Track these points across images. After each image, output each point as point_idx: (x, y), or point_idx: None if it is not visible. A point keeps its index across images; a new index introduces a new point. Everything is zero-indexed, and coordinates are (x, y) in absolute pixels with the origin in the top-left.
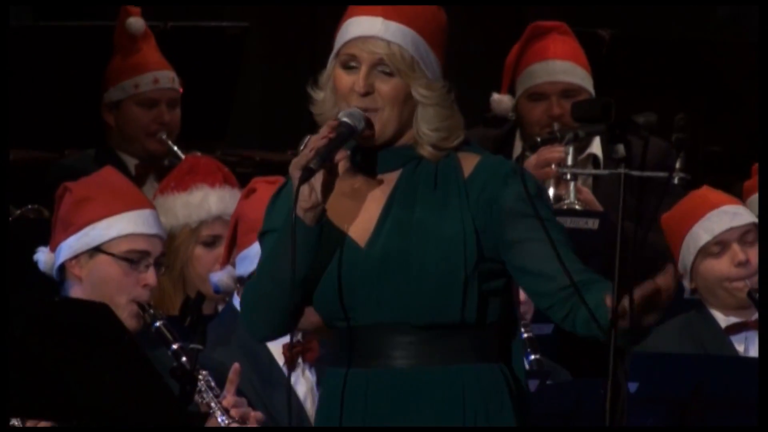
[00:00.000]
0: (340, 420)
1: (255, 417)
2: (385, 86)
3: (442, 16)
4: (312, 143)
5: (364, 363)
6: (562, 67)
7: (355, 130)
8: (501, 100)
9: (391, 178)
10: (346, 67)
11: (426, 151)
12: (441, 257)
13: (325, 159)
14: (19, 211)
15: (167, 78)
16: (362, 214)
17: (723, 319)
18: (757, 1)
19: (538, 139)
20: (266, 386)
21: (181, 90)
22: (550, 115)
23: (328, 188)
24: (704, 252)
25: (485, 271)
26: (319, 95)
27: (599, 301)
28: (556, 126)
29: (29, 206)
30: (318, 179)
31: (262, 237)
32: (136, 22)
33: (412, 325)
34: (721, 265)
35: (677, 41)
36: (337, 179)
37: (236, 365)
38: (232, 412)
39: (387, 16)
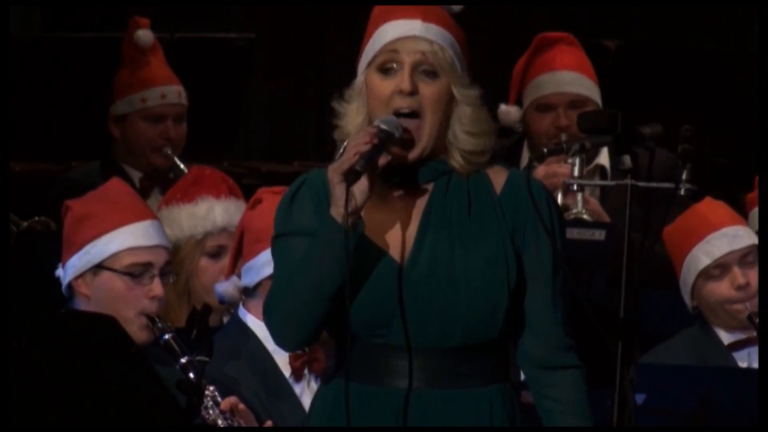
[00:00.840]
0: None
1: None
2: (428, 88)
3: (463, 34)
4: (353, 148)
5: (392, 383)
6: (569, 78)
7: (393, 136)
8: (508, 111)
9: (423, 193)
10: (384, 70)
11: (457, 162)
12: (486, 281)
13: (368, 162)
14: (26, 224)
15: (175, 93)
16: (398, 232)
17: (726, 336)
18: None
19: (545, 150)
20: (272, 398)
21: (186, 103)
22: (558, 126)
23: (366, 194)
24: (705, 275)
25: (519, 298)
26: (347, 107)
27: (552, 396)
28: (563, 137)
29: (36, 218)
30: (358, 184)
31: (276, 240)
32: (145, 35)
33: (448, 348)
34: (721, 288)
35: (683, 52)
36: (377, 184)
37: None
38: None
39: (426, 19)
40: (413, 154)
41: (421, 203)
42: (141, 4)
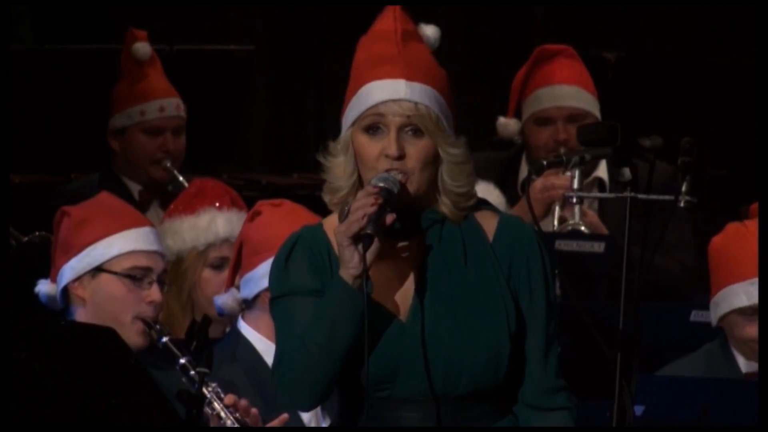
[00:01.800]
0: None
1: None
2: (414, 148)
3: (443, 72)
4: (359, 210)
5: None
6: (568, 91)
7: (393, 193)
8: (507, 124)
9: (417, 244)
10: (371, 131)
11: (447, 207)
12: (488, 328)
13: (377, 224)
14: (26, 239)
15: (173, 105)
16: (396, 285)
17: (744, 363)
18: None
19: (544, 163)
20: (271, 410)
21: (185, 114)
22: (556, 139)
23: (374, 254)
24: (740, 311)
25: (521, 332)
26: (333, 162)
27: None
28: (562, 150)
29: (36, 233)
30: (367, 246)
31: (276, 301)
32: (143, 48)
33: (453, 396)
34: (752, 330)
35: (683, 64)
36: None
37: (233, 397)
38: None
39: (409, 78)
40: (409, 204)
41: (417, 254)
42: (140, 17)
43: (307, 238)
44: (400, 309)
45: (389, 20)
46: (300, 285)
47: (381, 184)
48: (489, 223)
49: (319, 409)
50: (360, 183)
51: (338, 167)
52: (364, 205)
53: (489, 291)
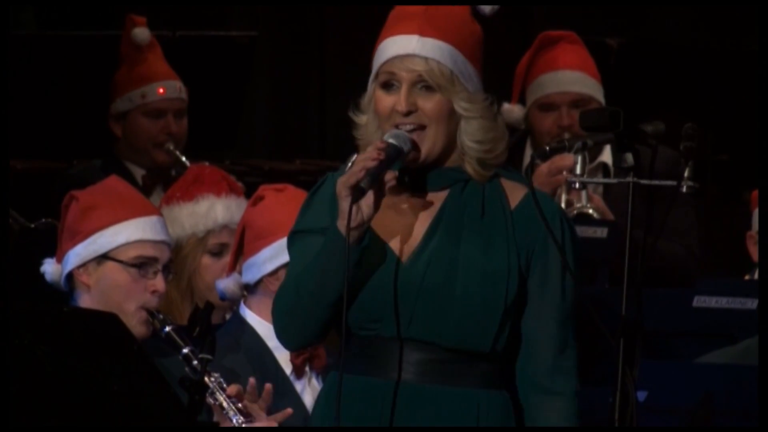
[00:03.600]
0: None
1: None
2: (427, 103)
3: (477, 28)
4: (360, 163)
5: (384, 374)
6: (571, 77)
7: (402, 151)
8: (511, 110)
9: (438, 198)
10: (386, 87)
11: (471, 168)
12: (484, 290)
13: (375, 179)
14: (33, 225)
15: (174, 88)
16: (406, 231)
17: None
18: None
19: (548, 148)
20: (273, 395)
21: (187, 97)
22: (560, 125)
23: (373, 208)
24: None
25: (518, 311)
26: (361, 119)
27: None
28: (566, 136)
29: (42, 220)
30: (365, 199)
31: (293, 236)
32: (142, 33)
33: (439, 345)
34: None
35: (686, 50)
36: (385, 196)
37: (252, 380)
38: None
39: (423, 33)
40: (427, 161)
41: (435, 207)
42: (142, 3)
43: (338, 177)
44: (403, 252)
45: None
46: (315, 224)
47: (390, 140)
48: (515, 193)
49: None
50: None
51: (366, 124)
52: (365, 159)
53: (496, 252)
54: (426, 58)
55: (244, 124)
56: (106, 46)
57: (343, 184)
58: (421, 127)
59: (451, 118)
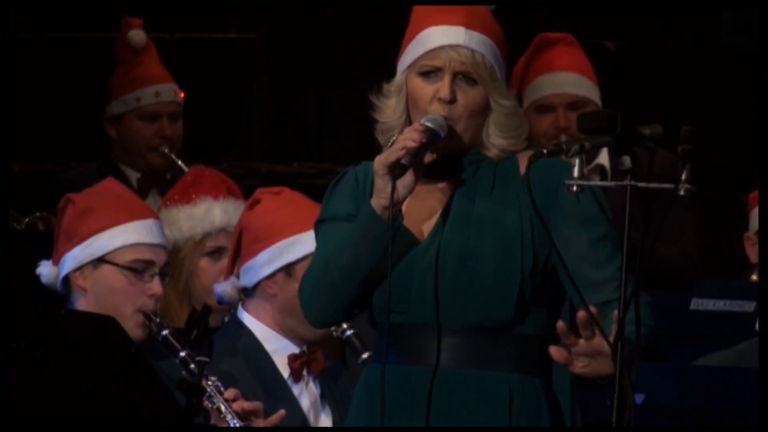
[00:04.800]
0: (382, 415)
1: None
2: (466, 96)
3: (502, 30)
4: (401, 142)
5: (413, 361)
6: (568, 79)
7: (439, 136)
8: None
9: (455, 182)
10: (425, 74)
11: (492, 153)
12: (499, 255)
13: (415, 158)
14: (27, 219)
15: (169, 91)
16: (424, 213)
17: None
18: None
19: (545, 151)
20: (270, 398)
21: (182, 95)
22: (557, 127)
23: (409, 188)
24: None
25: (538, 279)
26: (385, 102)
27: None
28: (562, 138)
29: (37, 214)
30: (402, 178)
31: (318, 225)
32: (137, 35)
33: (462, 325)
34: None
35: (683, 52)
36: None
37: (234, 391)
38: (244, 405)
39: (469, 26)
40: (450, 150)
41: (449, 190)
42: (140, 5)
43: (359, 170)
44: (422, 234)
45: None
46: (339, 211)
47: (429, 124)
48: (525, 157)
49: (318, 398)
50: (409, 124)
51: (389, 108)
52: (407, 139)
53: (509, 221)
54: (473, 51)
55: (242, 127)
56: (101, 48)
57: (381, 162)
58: (456, 118)
59: (484, 111)
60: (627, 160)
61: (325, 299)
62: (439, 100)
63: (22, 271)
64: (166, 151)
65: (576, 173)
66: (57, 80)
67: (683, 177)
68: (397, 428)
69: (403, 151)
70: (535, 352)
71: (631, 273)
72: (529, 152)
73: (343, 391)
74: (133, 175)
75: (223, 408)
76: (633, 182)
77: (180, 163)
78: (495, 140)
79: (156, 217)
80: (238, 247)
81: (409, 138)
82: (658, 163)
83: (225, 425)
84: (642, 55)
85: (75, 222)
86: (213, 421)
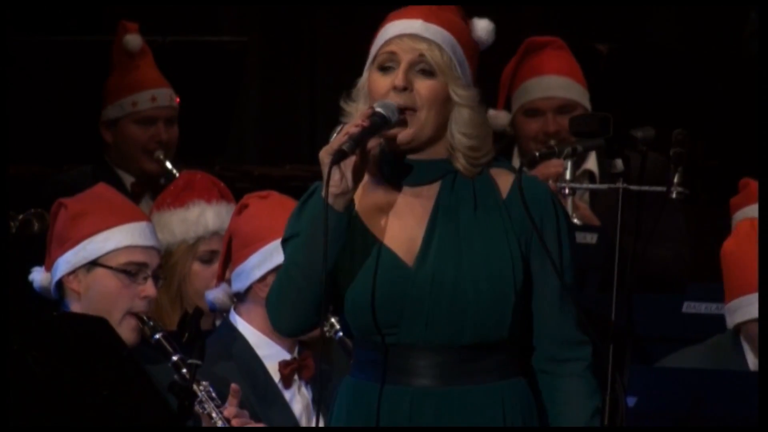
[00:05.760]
0: None
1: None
2: (423, 86)
3: (474, 42)
4: (345, 129)
5: (407, 381)
6: (557, 82)
7: (389, 120)
8: (497, 116)
9: (429, 193)
10: (384, 68)
11: (460, 164)
12: (493, 283)
13: (357, 144)
14: (21, 216)
15: (165, 96)
16: (405, 231)
17: (753, 361)
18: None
19: (537, 154)
20: (262, 403)
21: (177, 99)
22: (546, 131)
23: (358, 175)
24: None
25: (527, 295)
26: (352, 107)
27: (562, 401)
28: (553, 141)
29: (32, 210)
30: (349, 165)
31: (285, 242)
32: (134, 40)
33: (458, 345)
34: None
35: (676, 55)
36: (373, 191)
37: (234, 386)
38: (234, 422)
39: (427, 19)
40: (405, 137)
41: (429, 203)
42: (133, 8)
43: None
44: (408, 255)
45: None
46: (301, 229)
47: (378, 109)
48: (504, 180)
49: (310, 402)
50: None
51: (356, 111)
52: (350, 125)
53: (496, 243)
54: (429, 40)
55: (234, 130)
56: (98, 51)
57: (325, 151)
58: (413, 109)
59: (444, 105)
60: (619, 163)
61: (289, 304)
62: (395, 89)
63: (14, 276)
64: (161, 156)
65: (568, 176)
66: (53, 83)
67: (675, 180)
68: (397, 428)
69: (345, 137)
70: (516, 354)
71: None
72: (505, 173)
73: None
74: (128, 179)
75: (214, 414)
76: (625, 185)
77: (173, 170)
78: (459, 139)
79: (148, 219)
80: (229, 252)
81: (352, 124)
82: (649, 166)
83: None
84: (634, 57)
85: (68, 226)
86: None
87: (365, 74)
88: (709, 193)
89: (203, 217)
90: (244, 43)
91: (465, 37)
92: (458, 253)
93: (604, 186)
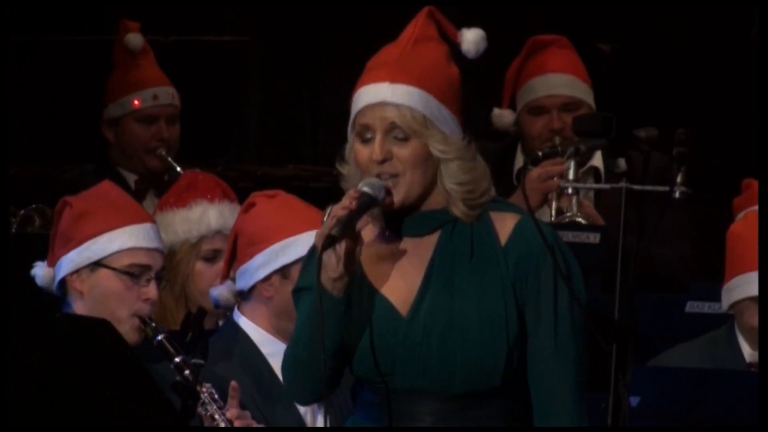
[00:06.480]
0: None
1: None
2: (402, 151)
3: (454, 71)
4: (333, 212)
5: (403, 423)
6: (561, 80)
7: (376, 199)
8: (502, 115)
9: (428, 243)
10: (363, 139)
11: (459, 210)
12: (484, 335)
13: (346, 227)
14: (22, 211)
15: (166, 94)
16: (402, 281)
17: (749, 353)
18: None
19: (540, 154)
20: (267, 401)
21: (179, 103)
22: (551, 129)
23: (352, 257)
24: (753, 299)
25: (523, 344)
26: (345, 169)
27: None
28: (557, 140)
29: (33, 206)
30: (342, 248)
31: (296, 294)
32: (135, 39)
33: (449, 392)
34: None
35: (679, 55)
36: (375, 241)
37: (233, 384)
38: (236, 423)
39: (393, 80)
40: (396, 203)
41: (427, 253)
42: (135, 8)
43: None
44: (404, 305)
45: (411, 26)
46: (312, 281)
47: (364, 189)
48: (505, 226)
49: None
50: None
51: (350, 175)
52: (337, 208)
53: (491, 293)
54: (397, 105)
55: (236, 130)
56: (99, 51)
57: (318, 236)
58: (396, 175)
59: (429, 161)
60: (622, 163)
61: (301, 378)
62: (373, 161)
63: (15, 272)
64: (164, 153)
65: (571, 175)
66: (55, 83)
67: (678, 179)
68: (397, 428)
69: (333, 221)
70: (521, 402)
71: (626, 276)
72: (507, 216)
73: (339, 394)
74: (131, 178)
75: (217, 416)
76: (628, 185)
77: (176, 166)
78: (452, 189)
79: (153, 221)
80: (234, 250)
81: (340, 206)
82: (652, 166)
83: None
84: (637, 57)
85: (72, 225)
86: None
87: (350, 139)
88: (712, 192)
89: (206, 216)
90: (246, 43)
91: (438, 84)
92: (451, 304)
93: (607, 186)
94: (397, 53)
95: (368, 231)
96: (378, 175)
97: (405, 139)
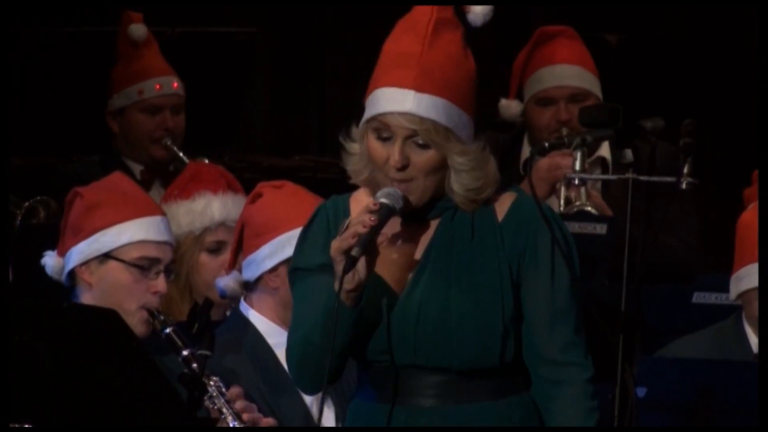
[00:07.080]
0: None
1: (266, 422)
2: (420, 158)
3: (470, 65)
4: (353, 227)
5: (404, 401)
6: (569, 71)
7: (395, 210)
8: (509, 106)
9: (429, 227)
10: (380, 136)
11: (460, 202)
12: (479, 311)
13: (366, 244)
14: (27, 203)
15: (170, 83)
16: (400, 262)
17: (756, 343)
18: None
19: (547, 144)
20: (274, 392)
21: (184, 92)
22: (558, 120)
23: (369, 268)
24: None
25: (518, 323)
26: (353, 148)
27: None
28: (564, 131)
29: (38, 198)
30: (361, 263)
31: (293, 273)
32: (138, 29)
33: (445, 367)
34: None
35: (685, 46)
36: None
37: (238, 389)
38: (244, 416)
39: (419, 89)
40: (410, 206)
41: (426, 238)
42: None
43: (329, 209)
44: (400, 286)
45: (426, 10)
46: (312, 261)
47: (383, 200)
48: (503, 204)
49: (320, 393)
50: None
51: (354, 156)
52: (357, 224)
53: (488, 271)
54: (421, 118)
55: (243, 121)
56: (103, 42)
57: (336, 249)
58: (411, 179)
59: (443, 168)
60: (629, 154)
61: (311, 372)
62: (390, 165)
63: (23, 263)
64: (169, 143)
65: (578, 166)
66: (59, 74)
67: (685, 170)
68: (396, 428)
69: (354, 239)
70: (521, 375)
71: (633, 267)
72: (509, 195)
73: (344, 383)
74: (137, 168)
75: (224, 410)
76: (635, 175)
77: (182, 155)
78: (457, 189)
79: (163, 213)
80: (240, 240)
81: (360, 223)
82: (659, 157)
83: (226, 425)
84: (644, 48)
85: (82, 216)
86: None
87: (362, 125)
88: (718, 183)
89: (209, 207)
90: (253, 34)
91: (460, 89)
92: (448, 283)
93: (614, 176)
94: (419, 49)
95: None
96: (393, 179)
97: (424, 147)
